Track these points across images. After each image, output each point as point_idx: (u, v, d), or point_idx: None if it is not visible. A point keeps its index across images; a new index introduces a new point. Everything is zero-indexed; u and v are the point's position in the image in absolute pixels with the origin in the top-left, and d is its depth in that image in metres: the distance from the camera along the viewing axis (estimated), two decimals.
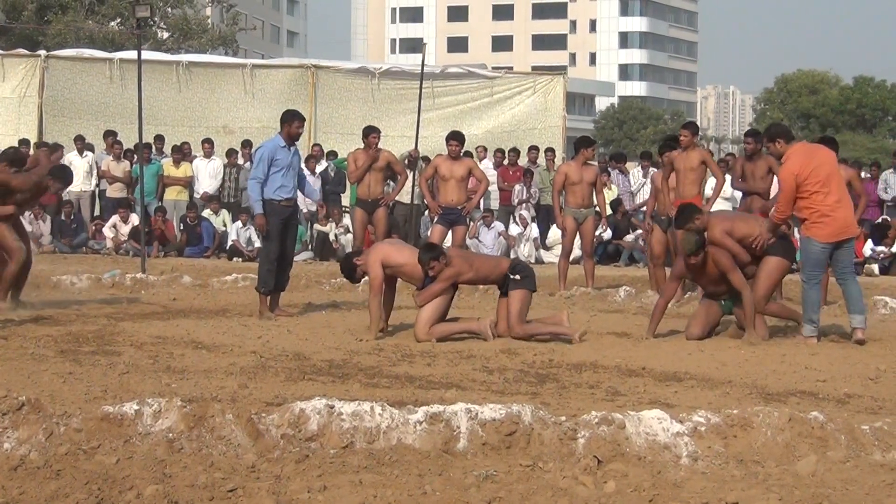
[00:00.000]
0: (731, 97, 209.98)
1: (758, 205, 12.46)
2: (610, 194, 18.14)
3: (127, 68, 19.46)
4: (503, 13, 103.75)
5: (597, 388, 7.08)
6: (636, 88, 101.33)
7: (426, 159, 16.63)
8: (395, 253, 9.40)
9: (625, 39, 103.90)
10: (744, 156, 13.09)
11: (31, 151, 18.67)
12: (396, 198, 15.36)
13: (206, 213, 18.35)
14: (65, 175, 10.91)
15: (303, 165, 11.18)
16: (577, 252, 14.46)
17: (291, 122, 10.50)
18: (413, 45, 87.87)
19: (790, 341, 9.24)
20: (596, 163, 14.34)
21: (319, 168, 18.33)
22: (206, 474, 4.79)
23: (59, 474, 4.73)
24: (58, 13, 36.12)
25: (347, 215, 17.12)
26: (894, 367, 8.06)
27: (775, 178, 12.70)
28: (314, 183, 18.27)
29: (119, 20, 37.31)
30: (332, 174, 18.28)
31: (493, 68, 24.08)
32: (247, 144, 18.92)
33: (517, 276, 9.16)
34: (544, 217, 18.23)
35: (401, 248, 9.63)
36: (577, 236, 13.43)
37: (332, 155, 18.55)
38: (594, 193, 13.31)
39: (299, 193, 10.93)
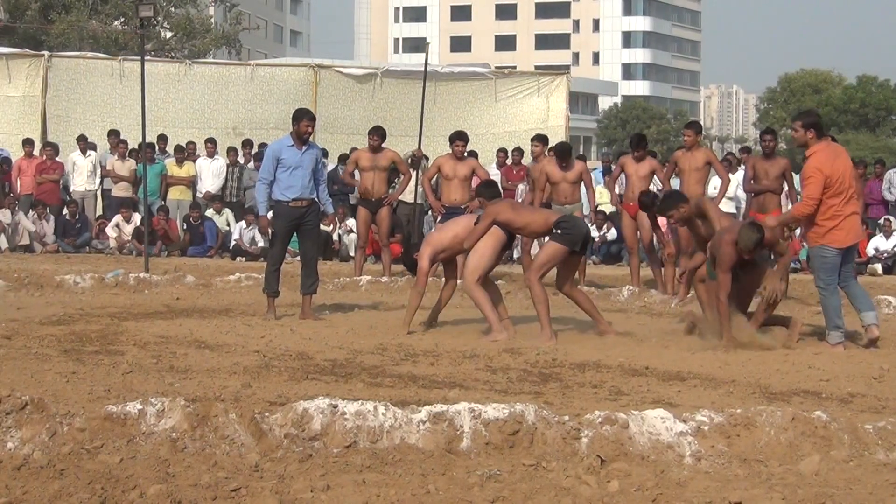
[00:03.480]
0: (734, 96, 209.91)
1: (773, 203, 12.42)
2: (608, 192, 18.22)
3: (131, 68, 19.50)
4: (506, 13, 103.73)
5: (600, 388, 7.08)
6: (639, 88, 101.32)
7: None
8: (440, 235, 9.72)
9: (628, 39, 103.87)
10: (758, 155, 12.97)
11: (35, 151, 18.81)
12: (400, 197, 15.37)
13: (209, 212, 18.37)
14: None
15: (324, 171, 10.91)
16: None
17: (300, 120, 10.35)
18: (416, 45, 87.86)
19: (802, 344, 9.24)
20: (589, 162, 14.52)
21: (327, 169, 18.35)
22: (210, 474, 4.80)
23: (63, 474, 4.74)
24: (61, 13, 36.16)
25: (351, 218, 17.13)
26: None
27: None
28: None
29: (122, 20, 37.38)
30: (341, 174, 18.26)
31: (497, 68, 24.12)
32: (247, 144, 18.96)
33: (558, 231, 9.20)
34: None
35: (448, 225, 9.96)
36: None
37: (343, 158, 18.55)
38: (585, 190, 13.60)
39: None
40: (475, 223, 9.40)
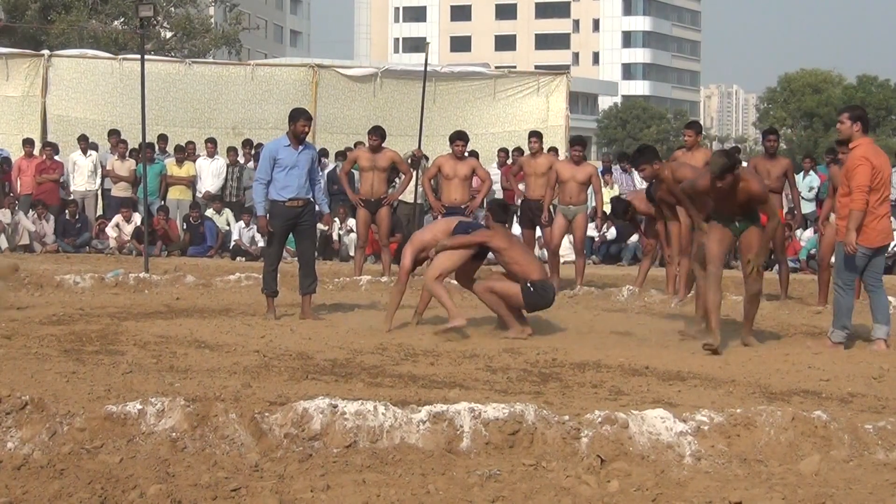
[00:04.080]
0: (734, 96, 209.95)
1: (776, 202, 12.45)
2: (609, 192, 18.22)
3: (131, 68, 19.50)
4: (506, 12, 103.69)
5: (600, 388, 7.07)
6: (639, 88, 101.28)
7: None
8: (421, 235, 9.88)
9: (628, 39, 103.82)
10: (760, 155, 13.00)
11: (36, 151, 18.81)
12: (400, 197, 15.37)
13: (209, 212, 18.37)
14: None
15: (321, 171, 10.97)
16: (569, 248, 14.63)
17: (297, 120, 10.35)
18: (416, 45, 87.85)
19: (794, 341, 9.23)
20: (592, 162, 14.46)
21: (327, 169, 18.38)
22: (210, 474, 4.80)
23: (63, 474, 4.74)
24: (61, 13, 36.17)
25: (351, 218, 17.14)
26: None
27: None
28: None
29: (122, 19, 37.40)
30: (339, 172, 18.27)
31: (497, 67, 24.11)
32: (247, 144, 18.97)
33: (530, 288, 9.30)
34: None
35: (429, 226, 10.20)
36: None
37: (341, 156, 18.58)
38: (592, 193, 13.57)
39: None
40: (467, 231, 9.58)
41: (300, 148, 10.41)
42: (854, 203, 8.70)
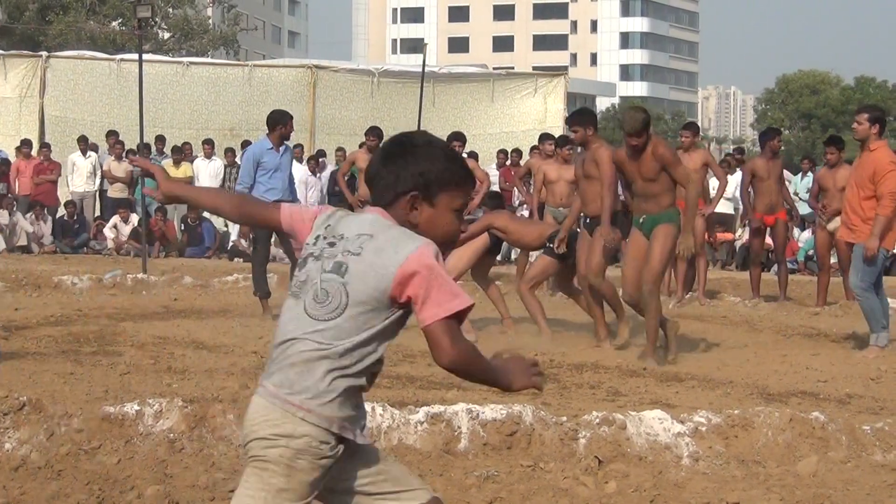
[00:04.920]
0: (732, 97, 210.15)
1: (779, 203, 12.46)
2: None
3: (129, 69, 19.50)
4: (504, 13, 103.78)
5: (598, 389, 7.08)
6: (637, 89, 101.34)
7: None
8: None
9: (626, 40, 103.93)
10: (761, 155, 12.89)
11: (34, 152, 18.80)
12: None
13: (207, 213, 18.36)
14: None
15: (296, 176, 10.99)
16: None
17: (285, 123, 10.39)
18: (414, 46, 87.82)
19: (793, 342, 9.23)
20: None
21: (327, 170, 18.40)
22: (207, 474, 4.79)
23: (61, 474, 4.73)
24: (59, 13, 36.18)
25: None
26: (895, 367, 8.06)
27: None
28: (314, 184, 18.32)
29: (120, 20, 37.42)
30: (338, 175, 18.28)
31: (494, 68, 24.13)
32: (245, 145, 18.96)
33: (552, 245, 9.35)
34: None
35: None
36: None
37: (341, 151, 18.58)
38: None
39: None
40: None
41: (282, 150, 10.47)
42: (883, 209, 8.64)
